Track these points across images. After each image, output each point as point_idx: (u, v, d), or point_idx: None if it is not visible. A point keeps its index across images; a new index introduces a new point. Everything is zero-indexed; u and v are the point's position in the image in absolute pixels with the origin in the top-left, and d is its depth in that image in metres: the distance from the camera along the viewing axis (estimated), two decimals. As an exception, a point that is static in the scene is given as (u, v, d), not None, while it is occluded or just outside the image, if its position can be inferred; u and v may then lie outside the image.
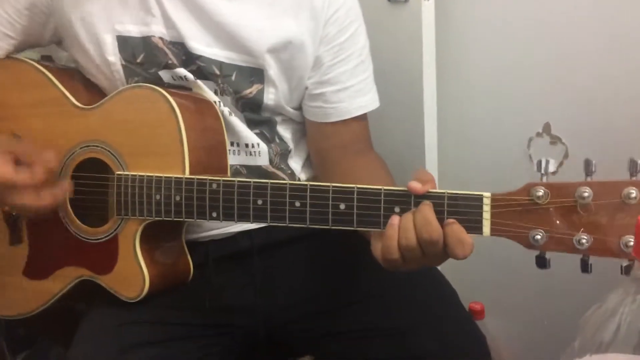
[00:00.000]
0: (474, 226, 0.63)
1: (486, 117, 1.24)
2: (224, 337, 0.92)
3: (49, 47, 1.01)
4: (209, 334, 0.91)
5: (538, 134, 1.18)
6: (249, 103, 0.90)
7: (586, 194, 0.59)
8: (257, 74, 0.89)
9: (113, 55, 0.87)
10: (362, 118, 0.95)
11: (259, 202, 0.73)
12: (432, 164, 1.24)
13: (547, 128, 1.17)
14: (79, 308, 0.97)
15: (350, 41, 0.92)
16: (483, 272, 1.29)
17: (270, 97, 0.90)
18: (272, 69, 0.88)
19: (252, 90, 0.89)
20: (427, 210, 0.65)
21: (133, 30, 0.87)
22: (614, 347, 0.85)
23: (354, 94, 0.93)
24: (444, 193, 0.64)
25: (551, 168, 0.62)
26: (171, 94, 0.82)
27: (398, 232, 0.65)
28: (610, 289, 0.94)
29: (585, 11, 1.08)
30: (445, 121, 1.25)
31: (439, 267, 0.95)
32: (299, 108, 0.96)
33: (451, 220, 0.64)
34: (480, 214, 0.63)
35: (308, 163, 1.00)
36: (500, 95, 1.22)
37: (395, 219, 0.65)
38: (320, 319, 0.92)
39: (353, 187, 0.68)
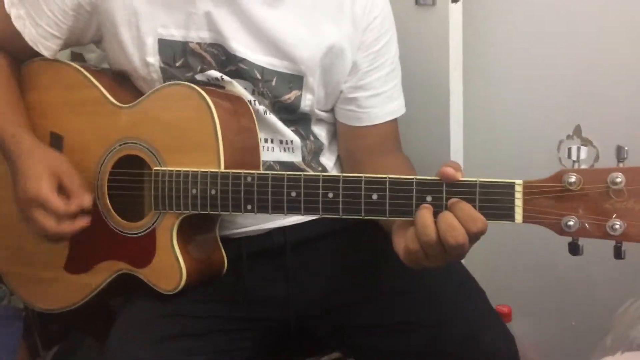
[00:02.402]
0: (506, 213, 0.64)
1: (514, 120, 1.24)
2: (257, 330, 0.94)
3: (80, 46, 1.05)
4: (242, 327, 0.93)
5: (568, 137, 1.17)
6: (285, 107, 0.93)
7: (618, 180, 0.59)
8: (296, 81, 0.91)
9: (152, 57, 0.90)
10: (393, 121, 0.97)
11: (293, 194, 0.75)
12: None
13: (577, 131, 1.16)
14: (114, 304, 1.00)
15: (386, 48, 0.95)
16: (510, 274, 1.29)
17: (307, 103, 0.93)
18: (313, 76, 0.91)
19: (291, 96, 0.92)
20: (450, 217, 0.65)
21: (176, 34, 0.90)
22: (646, 345, 0.84)
23: (385, 100, 0.96)
24: (475, 181, 0.65)
25: (582, 155, 0.62)
26: (207, 91, 0.84)
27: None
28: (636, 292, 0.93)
29: (616, 11, 1.08)
30: (471, 125, 1.25)
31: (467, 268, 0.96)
32: (331, 110, 0.98)
33: (454, 199, 0.65)
34: (512, 201, 0.64)
35: (339, 162, 1.02)
36: (529, 99, 1.21)
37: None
38: (350, 312, 0.93)
39: (385, 177, 0.70)
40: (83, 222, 0.87)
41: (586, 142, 1.19)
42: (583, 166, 0.63)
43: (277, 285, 0.95)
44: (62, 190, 0.86)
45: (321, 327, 0.96)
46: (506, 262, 1.28)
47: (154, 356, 0.85)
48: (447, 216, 0.65)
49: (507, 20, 1.21)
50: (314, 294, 0.94)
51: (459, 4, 1.17)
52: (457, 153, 1.22)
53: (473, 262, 1.13)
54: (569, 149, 0.63)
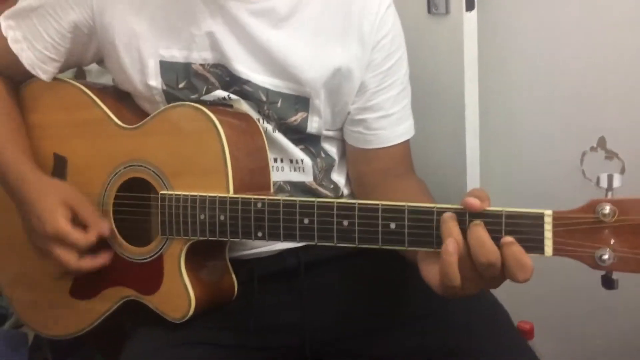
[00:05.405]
0: (535, 246, 0.60)
1: (533, 133, 1.19)
2: (270, 357, 0.91)
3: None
4: (254, 356, 0.89)
5: (592, 149, 1.12)
6: (292, 129, 0.90)
7: (657, 211, 0.55)
8: (302, 102, 0.88)
9: (154, 80, 0.88)
10: (404, 142, 0.94)
11: (306, 221, 0.71)
12: (474, 183, 1.20)
13: (601, 142, 1.12)
14: (125, 324, 0.97)
15: (396, 67, 0.91)
16: (532, 289, 1.24)
17: (314, 125, 0.90)
18: (319, 98, 0.88)
19: (297, 118, 0.89)
20: (479, 230, 0.61)
21: (178, 55, 0.87)
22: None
23: (395, 122, 0.92)
24: (501, 211, 0.61)
25: (616, 183, 0.58)
26: (214, 111, 0.81)
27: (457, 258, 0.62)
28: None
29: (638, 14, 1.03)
30: (488, 138, 1.20)
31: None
32: (341, 129, 0.95)
33: (509, 239, 0.60)
34: (542, 233, 0.60)
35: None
36: (549, 110, 1.16)
37: (451, 245, 0.62)
38: (367, 338, 0.89)
39: (404, 206, 0.66)
40: (104, 258, 0.85)
41: (611, 154, 1.14)
42: (617, 193, 0.58)
43: (291, 309, 0.91)
44: (76, 220, 0.83)
45: (338, 353, 0.92)
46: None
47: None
48: (477, 231, 0.61)
49: (524, 28, 1.17)
50: (330, 319, 0.91)
51: (474, 12, 1.13)
52: (473, 167, 1.18)
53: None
54: (599, 178, 0.59)
